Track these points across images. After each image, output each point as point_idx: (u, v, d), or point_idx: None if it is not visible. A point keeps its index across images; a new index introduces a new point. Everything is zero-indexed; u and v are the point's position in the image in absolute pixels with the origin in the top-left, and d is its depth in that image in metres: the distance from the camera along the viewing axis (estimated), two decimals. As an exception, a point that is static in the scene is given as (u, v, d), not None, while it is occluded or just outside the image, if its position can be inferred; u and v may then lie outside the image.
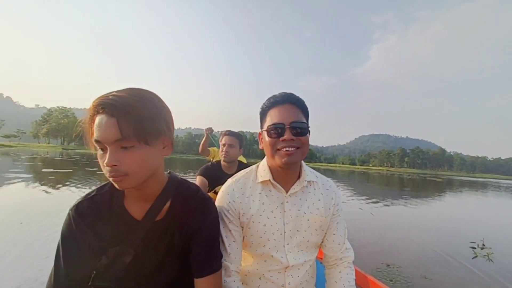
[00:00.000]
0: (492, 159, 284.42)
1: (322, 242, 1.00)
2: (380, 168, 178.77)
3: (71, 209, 0.71)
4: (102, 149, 0.63)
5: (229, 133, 2.07)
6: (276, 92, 0.91)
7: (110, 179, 0.65)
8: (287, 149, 0.83)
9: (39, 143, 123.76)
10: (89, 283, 0.68)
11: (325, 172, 35.85)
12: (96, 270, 0.69)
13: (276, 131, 0.84)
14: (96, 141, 0.62)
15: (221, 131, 2.16)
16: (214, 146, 3.32)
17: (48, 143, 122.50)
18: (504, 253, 4.48)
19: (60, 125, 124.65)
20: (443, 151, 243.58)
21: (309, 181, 0.96)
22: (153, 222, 0.74)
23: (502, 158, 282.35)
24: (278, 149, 0.85)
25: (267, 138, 0.87)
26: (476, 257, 4.19)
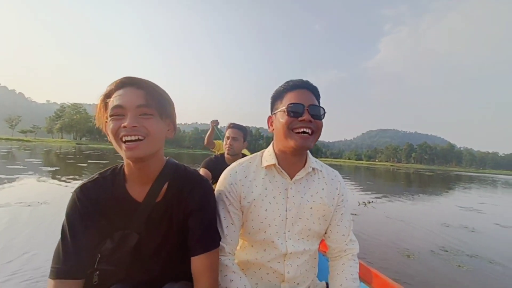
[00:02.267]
0: (503, 155, 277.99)
1: (326, 233, 0.99)
2: (384, 163, 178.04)
3: (75, 191, 0.73)
4: (118, 116, 0.67)
5: (233, 126, 2.08)
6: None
7: (123, 149, 0.68)
8: (304, 130, 0.84)
9: (53, 137, 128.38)
10: (95, 266, 0.70)
11: (336, 168, 35.77)
12: (100, 254, 0.71)
13: (297, 110, 0.84)
14: (117, 106, 0.66)
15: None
16: (219, 139, 3.34)
17: (62, 138, 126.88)
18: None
19: (73, 120, 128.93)
20: (451, 146, 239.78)
21: (314, 169, 0.96)
22: (153, 203, 0.77)
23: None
24: (294, 130, 0.85)
25: (283, 118, 0.86)
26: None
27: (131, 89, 0.68)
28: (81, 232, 0.69)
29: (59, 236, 0.69)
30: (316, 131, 0.86)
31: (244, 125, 2.17)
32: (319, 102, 0.90)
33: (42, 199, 4.74)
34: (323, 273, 1.07)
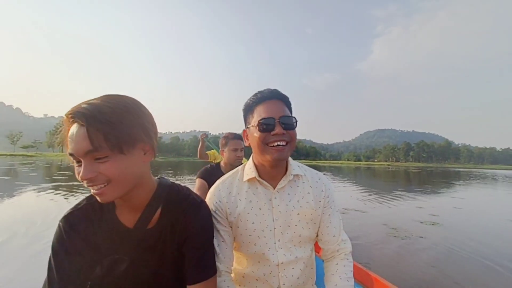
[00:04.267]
0: (501, 150, 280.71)
1: (317, 236, 0.99)
2: (381, 163, 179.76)
3: (61, 221, 0.70)
4: (77, 162, 0.61)
5: (237, 137, 2.09)
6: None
7: (92, 192, 0.64)
8: (278, 143, 0.83)
9: (53, 151, 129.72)
10: None
11: (330, 169, 37.95)
12: (91, 281, 0.68)
13: (267, 125, 0.83)
14: (70, 154, 0.60)
15: (224, 133, 2.17)
16: (211, 149, 3.38)
17: (62, 151, 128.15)
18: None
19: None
20: (449, 143, 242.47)
21: (296, 175, 0.96)
22: (145, 230, 0.74)
23: (511, 148, 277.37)
24: (268, 144, 0.85)
25: (256, 133, 0.86)
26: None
27: (76, 128, 0.59)
28: (67, 265, 0.66)
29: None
30: (291, 141, 0.86)
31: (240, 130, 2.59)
32: (290, 110, 0.90)
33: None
34: (319, 273, 1.06)
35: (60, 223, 0.69)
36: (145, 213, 0.73)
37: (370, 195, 10.12)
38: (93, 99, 0.62)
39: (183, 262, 0.77)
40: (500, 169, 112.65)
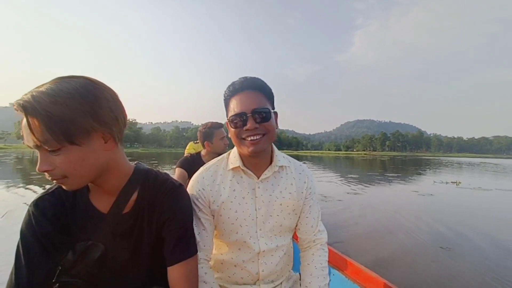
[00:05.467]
0: (467, 139, 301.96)
1: (296, 225, 1.01)
2: (359, 152, 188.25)
3: (30, 205, 0.67)
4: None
5: (222, 125, 2.05)
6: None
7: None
8: (252, 138, 0.82)
9: (23, 143, 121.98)
10: (54, 279, 0.65)
11: (312, 159, 39.84)
12: (61, 266, 0.66)
13: (240, 120, 0.82)
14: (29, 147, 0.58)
15: (204, 124, 2.08)
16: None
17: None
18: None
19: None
20: (421, 133, 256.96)
21: (281, 166, 0.96)
22: (120, 215, 0.72)
23: (476, 137, 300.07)
24: (243, 138, 0.84)
25: (231, 129, 0.86)
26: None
27: (24, 120, 0.55)
28: (35, 249, 0.64)
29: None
30: (267, 133, 0.85)
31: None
32: (268, 97, 0.87)
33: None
34: (296, 261, 1.09)
35: (29, 208, 0.67)
36: (119, 198, 0.72)
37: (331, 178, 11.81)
38: (40, 86, 0.57)
39: (161, 247, 0.75)
40: (464, 157, 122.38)
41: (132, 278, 0.75)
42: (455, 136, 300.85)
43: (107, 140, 0.64)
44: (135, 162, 0.80)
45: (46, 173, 0.58)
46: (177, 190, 0.78)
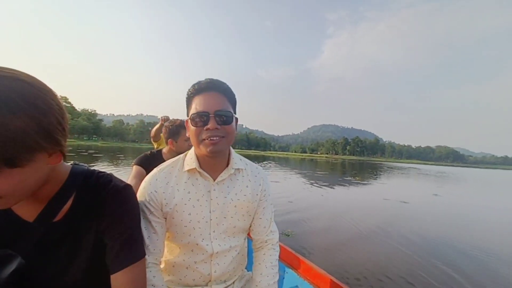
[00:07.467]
0: (415, 147, 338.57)
1: (250, 226, 1.02)
2: (322, 155, 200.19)
3: None
4: None
5: None
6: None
7: None
8: (212, 138, 0.81)
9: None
10: None
11: (279, 160, 41.33)
12: None
13: (201, 119, 0.81)
14: None
15: (172, 120, 1.94)
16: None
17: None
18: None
19: None
20: (377, 140, 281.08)
21: (237, 169, 0.96)
22: (49, 224, 0.63)
23: (422, 146, 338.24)
24: (203, 139, 0.82)
25: (191, 127, 0.84)
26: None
27: None
28: None
29: None
30: (226, 136, 0.84)
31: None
32: (232, 102, 0.87)
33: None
34: (251, 260, 1.09)
35: None
36: (49, 206, 0.63)
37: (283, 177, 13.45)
38: None
39: (101, 256, 0.68)
40: (411, 163, 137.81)
41: None
42: (406, 144, 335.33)
43: (51, 154, 0.55)
44: (72, 163, 0.71)
45: None
46: (121, 192, 0.71)
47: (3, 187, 0.49)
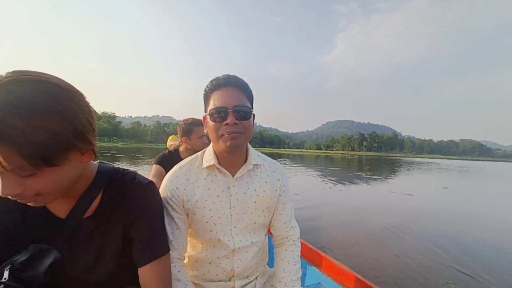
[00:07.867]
0: (436, 141, 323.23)
1: (270, 222, 1.02)
2: (338, 152, 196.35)
3: None
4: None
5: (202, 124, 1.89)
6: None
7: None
8: (231, 133, 0.82)
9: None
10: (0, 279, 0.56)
11: (293, 157, 40.30)
12: (12, 265, 0.58)
13: (219, 114, 0.82)
14: None
15: (185, 119, 1.97)
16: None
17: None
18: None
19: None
20: (395, 135, 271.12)
21: (255, 165, 0.97)
22: (80, 220, 0.67)
23: (444, 140, 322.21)
24: (222, 134, 0.83)
25: (210, 122, 0.84)
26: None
27: None
28: None
29: None
30: (244, 131, 0.85)
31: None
32: (249, 97, 0.88)
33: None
34: (272, 257, 1.09)
35: None
36: (80, 203, 0.67)
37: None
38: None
39: (129, 249, 0.72)
40: (433, 158, 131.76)
41: (91, 285, 0.71)
42: (426, 139, 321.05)
43: (84, 152, 0.59)
44: (98, 161, 0.75)
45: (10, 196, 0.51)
46: (145, 188, 0.74)
47: (42, 185, 0.53)
